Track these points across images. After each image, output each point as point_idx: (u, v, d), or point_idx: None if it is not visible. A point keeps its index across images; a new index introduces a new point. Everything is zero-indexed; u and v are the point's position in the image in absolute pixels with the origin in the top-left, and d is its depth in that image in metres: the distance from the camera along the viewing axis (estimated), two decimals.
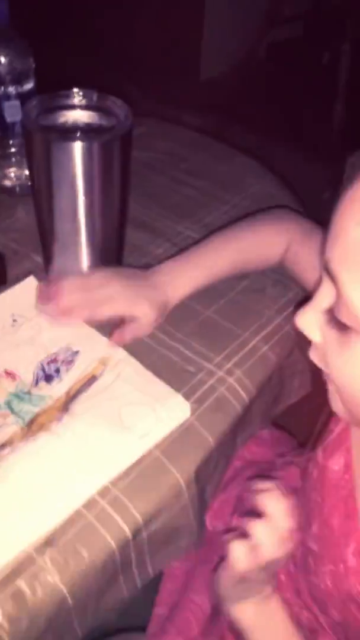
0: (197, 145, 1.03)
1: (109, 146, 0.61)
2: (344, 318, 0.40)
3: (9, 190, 0.88)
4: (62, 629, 0.51)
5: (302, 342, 0.49)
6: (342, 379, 0.43)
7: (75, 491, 0.53)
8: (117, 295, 0.64)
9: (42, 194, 0.65)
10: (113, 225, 0.70)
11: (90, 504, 0.53)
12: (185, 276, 0.68)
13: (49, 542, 0.50)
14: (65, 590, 0.49)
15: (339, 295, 0.40)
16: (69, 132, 0.64)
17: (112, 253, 0.72)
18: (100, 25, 2.06)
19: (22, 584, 0.48)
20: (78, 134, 0.62)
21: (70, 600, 0.49)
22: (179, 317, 0.70)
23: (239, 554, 0.50)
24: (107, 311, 0.64)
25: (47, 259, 0.73)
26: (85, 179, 0.62)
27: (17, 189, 0.88)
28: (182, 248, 0.75)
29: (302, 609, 0.62)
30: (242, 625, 0.57)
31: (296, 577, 0.63)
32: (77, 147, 0.60)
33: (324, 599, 0.57)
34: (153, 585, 0.75)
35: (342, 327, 0.41)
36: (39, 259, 0.78)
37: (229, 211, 0.86)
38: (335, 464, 0.57)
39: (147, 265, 0.70)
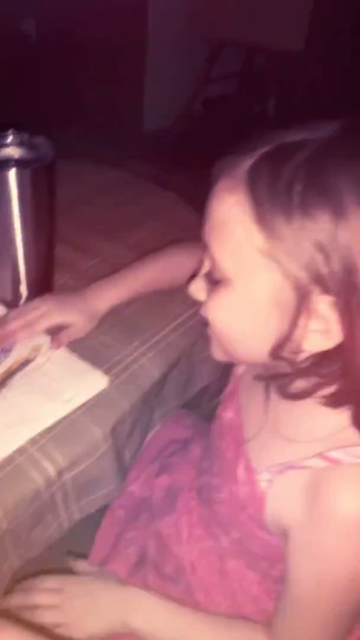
0: (126, 182, 1.20)
1: (37, 173, 0.77)
2: (216, 275, 0.56)
3: None
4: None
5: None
6: (215, 320, 0.59)
7: (8, 440, 0.66)
8: (52, 309, 0.80)
9: None
10: (44, 241, 0.85)
11: (21, 450, 0.66)
12: (111, 291, 0.85)
13: None
14: (0, 514, 0.61)
15: (211, 259, 0.56)
16: (5, 164, 0.79)
17: (45, 266, 0.87)
18: (46, 76, 2.26)
19: None
20: (12, 165, 0.78)
21: (4, 524, 0.61)
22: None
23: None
24: (44, 323, 0.79)
25: None
26: (20, 200, 0.77)
27: None
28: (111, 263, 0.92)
29: (209, 538, 0.75)
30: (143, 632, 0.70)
31: (203, 513, 0.76)
32: (12, 175, 0.75)
33: (227, 522, 0.70)
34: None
35: (215, 282, 0.57)
36: None
37: (147, 235, 1.03)
38: (228, 413, 0.71)
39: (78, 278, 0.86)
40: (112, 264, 0.95)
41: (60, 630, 0.71)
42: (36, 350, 0.78)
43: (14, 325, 0.79)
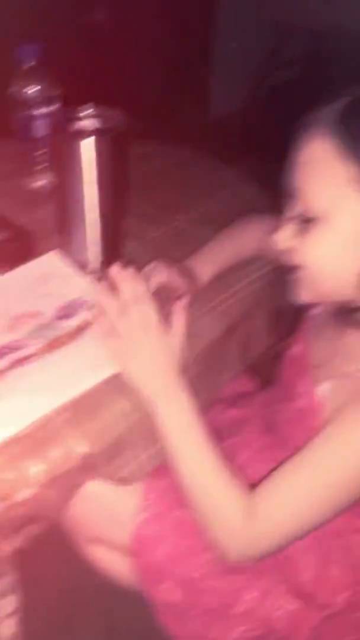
0: (192, 160, 1.25)
1: (114, 141, 0.83)
2: (310, 214, 0.62)
3: (37, 191, 1.11)
4: None
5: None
6: (311, 258, 0.64)
7: (87, 377, 0.73)
8: (159, 270, 0.84)
9: (65, 184, 0.86)
10: (117, 208, 0.90)
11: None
12: (214, 258, 0.90)
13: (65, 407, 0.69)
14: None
15: (303, 200, 0.62)
16: (85, 132, 0.85)
17: (117, 232, 0.93)
18: (115, 62, 2.33)
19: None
20: (90, 135, 0.84)
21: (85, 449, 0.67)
22: None
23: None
24: (154, 281, 0.82)
25: (63, 235, 0.93)
26: (98, 166, 0.83)
27: (44, 189, 1.10)
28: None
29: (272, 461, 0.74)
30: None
31: (267, 439, 0.83)
32: (91, 142, 0.82)
33: (289, 440, 0.73)
34: None
35: (304, 222, 0.63)
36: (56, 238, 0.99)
37: (213, 208, 1.07)
38: (297, 347, 0.79)
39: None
40: (177, 234, 1.01)
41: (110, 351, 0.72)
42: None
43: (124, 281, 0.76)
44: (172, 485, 0.71)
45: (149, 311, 0.70)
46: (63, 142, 0.84)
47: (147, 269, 0.84)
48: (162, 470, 0.73)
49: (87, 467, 0.68)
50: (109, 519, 0.79)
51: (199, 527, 0.68)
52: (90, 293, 0.85)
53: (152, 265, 0.85)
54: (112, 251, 0.94)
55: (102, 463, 0.70)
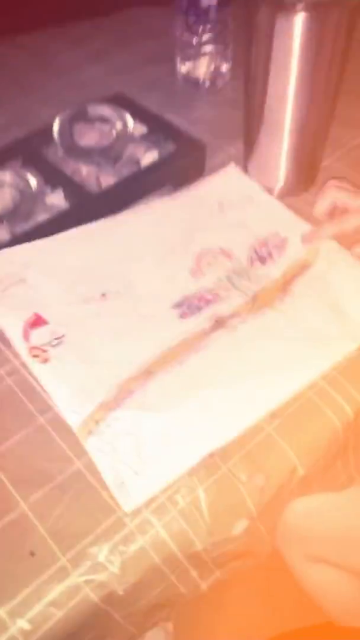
0: None
1: (336, 20, 0.58)
2: None
3: (197, 83, 0.87)
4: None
5: None
6: None
7: (301, 369, 0.54)
8: None
9: (258, 71, 0.63)
10: (324, 112, 0.66)
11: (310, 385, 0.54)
12: None
13: (274, 414, 0.52)
14: (296, 460, 0.50)
15: None
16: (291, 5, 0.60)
17: (317, 142, 0.70)
18: None
19: (253, 449, 0.50)
20: (305, 7, 0.59)
21: (300, 470, 0.51)
22: None
23: None
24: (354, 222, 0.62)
25: (248, 149, 0.71)
26: (305, 57, 0.59)
27: (206, 83, 0.87)
28: None
29: None
30: None
31: None
32: (303, 19, 0.57)
33: None
34: None
35: None
36: (232, 150, 0.77)
37: None
38: None
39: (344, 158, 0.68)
40: None
41: None
42: (314, 252, 0.63)
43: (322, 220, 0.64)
44: None
45: None
46: (260, 15, 0.60)
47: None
48: None
49: (303, 486, 0.52)
50: (340, 532, 0.64)
51: None
52: (293, 226, 0.65)
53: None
54: (312, 170, 0.72)
55: (315, 478, 0.54)
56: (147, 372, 0.53)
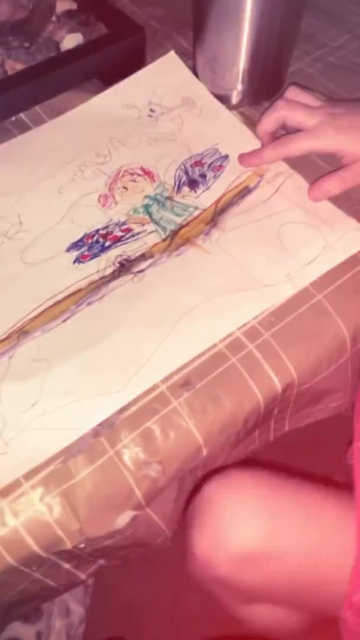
0: None
1: None
2: None
3: None
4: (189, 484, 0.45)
5: None
6: None
7: (220, 320, 0.43)
8: (323, 127, 0.48)
9: None
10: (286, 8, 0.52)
11: (234, 345, 0.43)
12: None
13: (186, 382, 0.41)
14: (200, 440, 0.41)
15: None
16: None
17: (285, 38, 0.55)
18: None
19: (154, 426, 0.40)
20: None
21: (204, 451, 0.42)
22: None
23: None
24: (306, 144, 0.49)
25: (198, 41, 0.57)
26: None
27: None
28: None
29: None
30: None
31: None
32: None
33: None
34: None
35: None
36: (183, 41, 0.62)
37: None
38: None
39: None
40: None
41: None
42: (259, 174, 0.51)
43: (264, 142, 0.52)
44: None
45: None
46: None
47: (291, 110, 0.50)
48: None
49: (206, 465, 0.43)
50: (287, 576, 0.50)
51: None
52: (239, 142, 0.52)
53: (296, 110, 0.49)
54: (277, 74, 0.58)
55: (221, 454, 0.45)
56: (20, 333, 0.42)
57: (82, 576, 0.43)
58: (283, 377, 0.43)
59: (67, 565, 0.41)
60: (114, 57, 0.57)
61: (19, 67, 0.54)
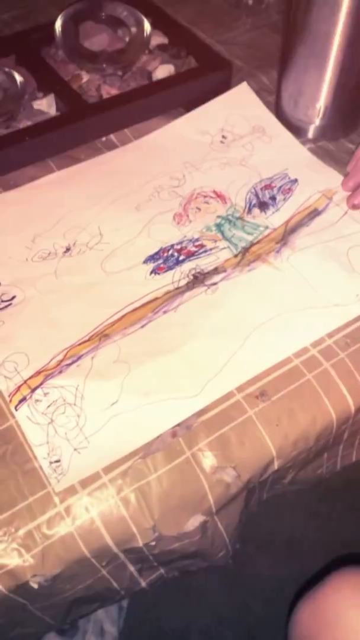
0: None
1: None
2: None
3: (237, 1, 0.75)
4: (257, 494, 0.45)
5: None
6: None
7: (291, 336, 0.44)
8: None
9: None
10: None
11: (310, 362, 0.44)
12: None
13: (262, 393, 0.42)
14: (273, 451, 0.41)
15: None
16: None
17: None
18: None
19: (229, 432, 0.41)
20: None
21: (275, 463, 0.42)
22: None
23: None
24: None
25: (284, 76, 0.60)
26: None
27: (249, 1, 0.74)
28: None
29: None
30: None
31: None
32: None
33: None
34: None
35: None
36: (264, 78, 0.66)
37: None
38: None
39: None
40: None
41: None
42: (328, 197, 0.53)
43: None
44: None
45: None
46: None
47: None
48: None
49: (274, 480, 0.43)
50: None
51: None
52: (308, 168, 0.55)
53: None
54: (356, 112, 0.60)
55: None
56: (101, 336, 0.44)
57: (143, 583, 0.44)
58: (357, 397, 0.43)
59: (132, 568, 0.41)
60: (201, 88, 0.60)
61: (114, 92, 0.58)
